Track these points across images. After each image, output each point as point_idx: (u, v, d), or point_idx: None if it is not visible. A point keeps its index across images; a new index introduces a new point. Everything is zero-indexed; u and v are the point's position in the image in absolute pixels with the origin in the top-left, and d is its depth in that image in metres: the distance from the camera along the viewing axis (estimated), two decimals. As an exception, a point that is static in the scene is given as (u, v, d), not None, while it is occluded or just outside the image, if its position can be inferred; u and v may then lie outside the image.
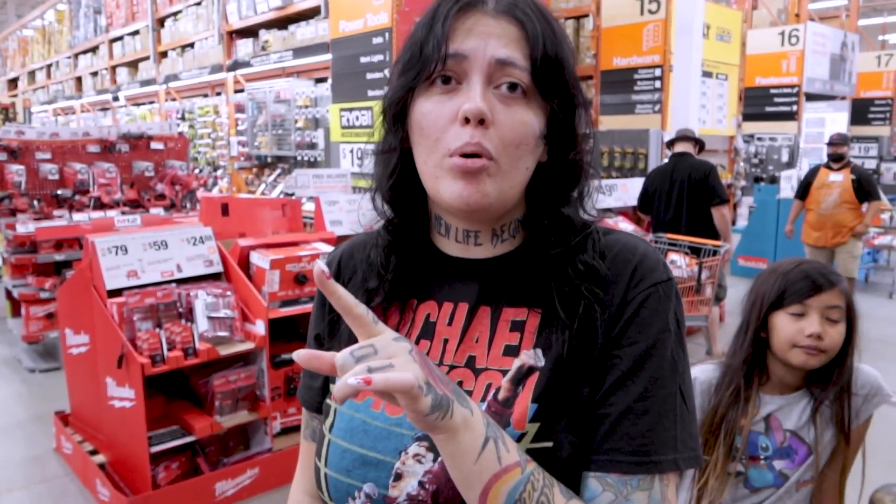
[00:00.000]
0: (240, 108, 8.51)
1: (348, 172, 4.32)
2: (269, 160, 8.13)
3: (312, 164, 7.05)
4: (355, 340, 0.66)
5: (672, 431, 0.68)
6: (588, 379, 0.70)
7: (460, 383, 0.73)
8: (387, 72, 4.96)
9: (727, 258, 4.77)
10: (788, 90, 9.35)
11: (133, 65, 11.66)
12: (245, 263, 3.02)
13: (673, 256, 4.22)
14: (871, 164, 11.47)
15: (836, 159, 5.71)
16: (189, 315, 2.78)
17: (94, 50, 13.07)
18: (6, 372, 4.67)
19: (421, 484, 0.69)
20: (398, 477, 0.70)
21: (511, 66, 0.67)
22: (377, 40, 4.99)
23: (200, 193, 5.79)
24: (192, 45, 9.48)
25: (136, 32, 11.24)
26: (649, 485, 0.67)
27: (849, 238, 5.59)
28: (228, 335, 2.78)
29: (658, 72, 6.85)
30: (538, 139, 0.70)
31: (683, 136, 4.87)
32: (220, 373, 2.79)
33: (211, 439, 2.90)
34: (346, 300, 0.59)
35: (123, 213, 5.01)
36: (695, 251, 4.22)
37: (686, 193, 4.63)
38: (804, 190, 5.88)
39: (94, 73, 13.11)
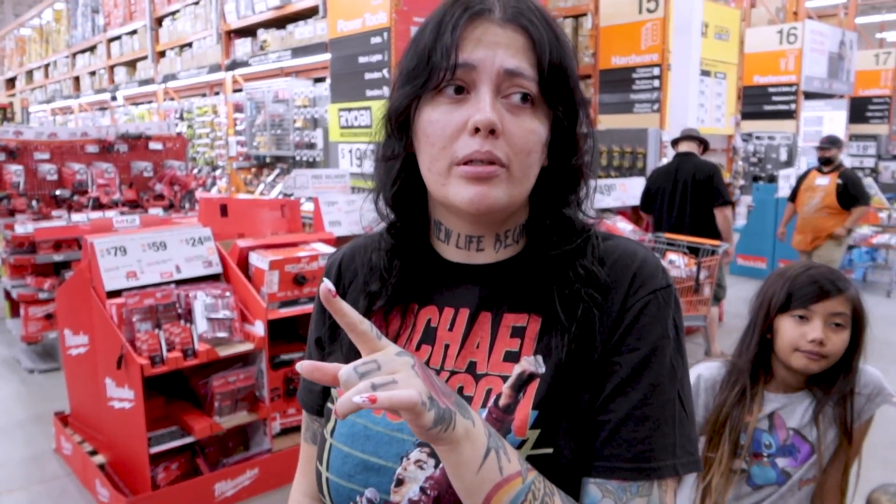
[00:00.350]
0: (238, 108, 8.51)
1: (347, 173, 4.32)
2: (267, 160, 8.13)
3: (311, 164, 7.05)
4: (352, 349, 0.67)
5: (671, 437, 0.69)
6: (588, 385, 0.70)
7: (461, 389, 0.73)
8: (385, 72, 4.96)
9: (728, 259, 4.78)
10: (787, 89, 9.35)
11: (131, 64, 11.64)
12: (244, 264, 3.02)
13: (671, 256, 4.23)
14: (869, 163, 11.49)
15: (825, 162, 5.59)
16: (188, 316, 2.78)
17: (92, 49, 13.05)
18: (5, 372, 4.67)
19: (422, 490, 0.70)
20: (400, 482, 0.71)
21: (520, 77, 0.67)
22: (376, 40, 4.99)
23: (199, 194, 5.79)
24: (190, 45, 9.46)
25: (134, 32, 11.23)
26: (648, 491, 0.68)
27: (825, 242, 5.43)
28: (228, 336, 2.78)
29: (656, 71, 6.85)
30: (544, 146, 0.71)
31: (688, 136, 4.86)
32: (220, 373, 2.80)
33: (210, 440, 2.91)
34: (350, 317, 0.59)
35: (122, 213, 5.01)
36: (693, 251, 4.22)
37: (689, 194, 4.63)
38: (795, 192, 5.83)
39: (92, 73, 13.09)
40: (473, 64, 0.67)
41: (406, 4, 4.78)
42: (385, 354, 0.58)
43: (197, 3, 9.11)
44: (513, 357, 0.72)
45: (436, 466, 0.70)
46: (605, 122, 7.27)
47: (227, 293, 2.86)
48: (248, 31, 8.12)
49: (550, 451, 0.68)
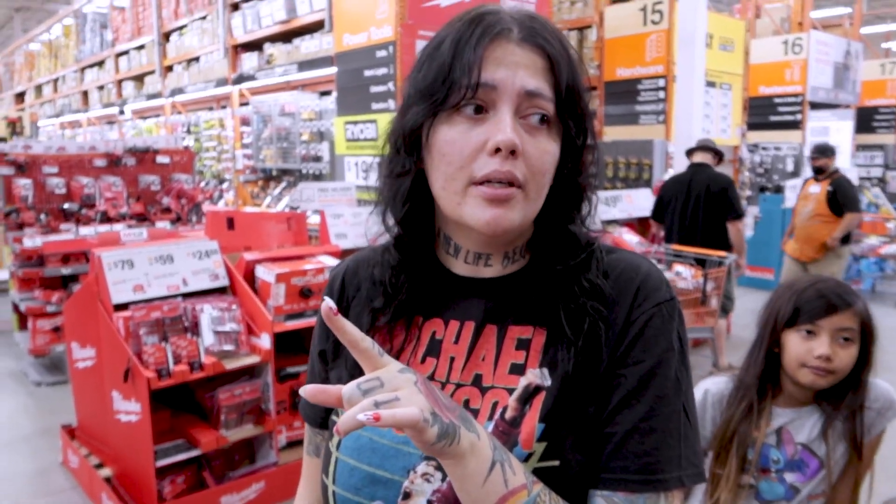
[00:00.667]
0: (245, 122, 8.56)
1: (353, 185, 4.33)
2: (274, 173, 8.17)
3: (317, 176, 7.08)
4: (356, 365, 0.67)
5: (677, 449, 0.69)
6: (594, 397, 0.70)
7: (467, 402, 0.73)
8: (391, 85, 4.98)
9: (741, 272, 4.75)
10: (792, 99, 9.34)
11: (139, 79, 11.74)
12: (250, 277, 3.03)
13: (678, 268, 4.21)
14: (877, 173, 11.44)
15: (818, 172, 5.49)
16: (195, 329, 2.79)
17: (100, 64, 13.17)
18: (13, 385, 4.69)
19: (430, 503, 0.70)
20: (407, 496, 0.71)
21: (539, 98, 0.68)
22: (381, 54, 5.02)
23: (206, 207, 5.82)
24: (197, 59, 9.54)
25: (141, 47, 11.33)
26: (655, 502, 0.68)
27: (823, 255, 5.30)
28: (234, 349, 2.79)
29: (662, 82, 6.87)
30: (555, 166, 0.71)
31: (703, 147, 4.83)
32: (226, 386, 2.80)
33: (216, 453, 2.90)
34: (352, 335, 0.59)
35: (129, 226, 5.04)
36: (700, 262, 4.21)
37: (703, 205, 4.60)
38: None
39: (101, 87, 13.20)
40: (494, 84, 0.67)
41: (411, 18, 4.82)
42: (387, 371, 0.58)
43: (204, 18, 9.19)
44: (518, 369, 0.73)
45: (443, 479, 0.70)
46: (611, 133, 7.28)
47: (234, 306, 2.86)
48: (255, 46, 8.19)
49: (557, 463, 0.68)
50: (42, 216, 5.22)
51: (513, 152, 0.66)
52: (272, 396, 2.88)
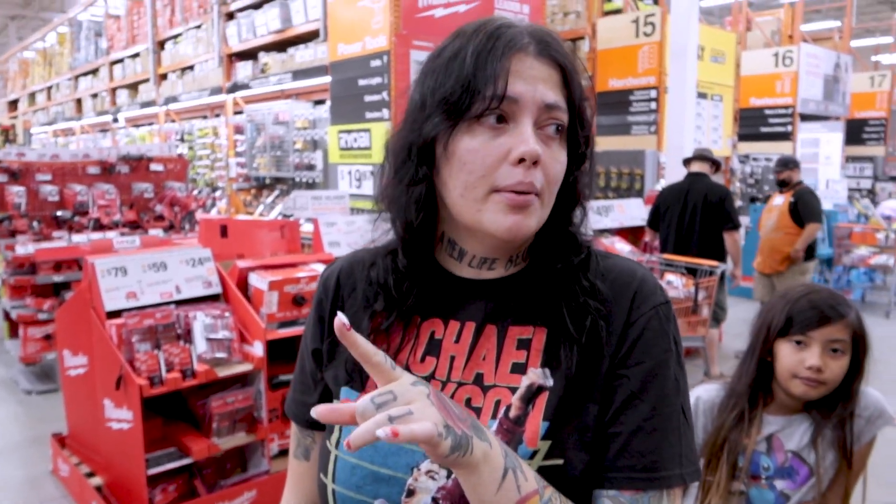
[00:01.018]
0: (239, 130, 8.57)
1: (347, 194, 4.34)
2: (267, 181, 8.17)
3: (311, 185, 7.08)
4: (356, 364, 0.69)
5: (677, 448, 0.72)
6: (596, 397, 0.73)
7: (469, 400, 0.74)
8: (385, 94, 5.01)
9: (737, 282, 4.77)
10: (783, 111, 9.43)
11: (133, 87, 11.74)
12: (244, 285, 3.03)
13: (669, 277, 4.24)
14: (866, 184, 11.55)
15: (781, 184, 5.47)
16: (187, 336, 2.78)
17: (94, 72, 13.17)
18: (3, 393, 4.66)
19: (434, 500, 0.71)
20: (410, 493, 0.72)
21: (557, 110, 0.71)
22: (375, 63, 5.04)
23: (199, 215, 5.82)
24: (191, 68, 9.56)
25: (136, 55, 11.34)
26: (658, 500, 0.70)
27: (787, 268, 5.26)
28: (227, 356, 2.78)
29: (653, 93, 6.93)
30: (564, 174, 0.74)
31: (700, 156, 4.85)
32: (218, 394, 2.79)
33: (208, 461, 2.89)
34: (364, 349, 0.60)
35: (122, 234, 5.03)
36: (691, 272, 4.23)
37: (700, 215, 4.63)
38: None
39: (95, 95, 13.19)
40: (516, 97, 0.69)
41: (406, 28, 4.85)
42: (400, 385, 0.59)
43: (199, 27, 9.22)
44: (520, 369, 0.74)
45: (447, 477, 0.71)
46: (603, 143, 7.33)
47: (227, 313, 2.86)
48: (249, 54, 8.21)
49: (561, 462, 0.70)
50: (35, 223, 5.21)
51: (535, 163, 0.69)
52: (264, 404, 2.88)
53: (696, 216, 4.65)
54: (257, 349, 2.82)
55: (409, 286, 0.78)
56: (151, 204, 5.74)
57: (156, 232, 5.34)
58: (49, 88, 15.65)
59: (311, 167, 7.14)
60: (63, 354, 3.12)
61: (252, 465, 3.04)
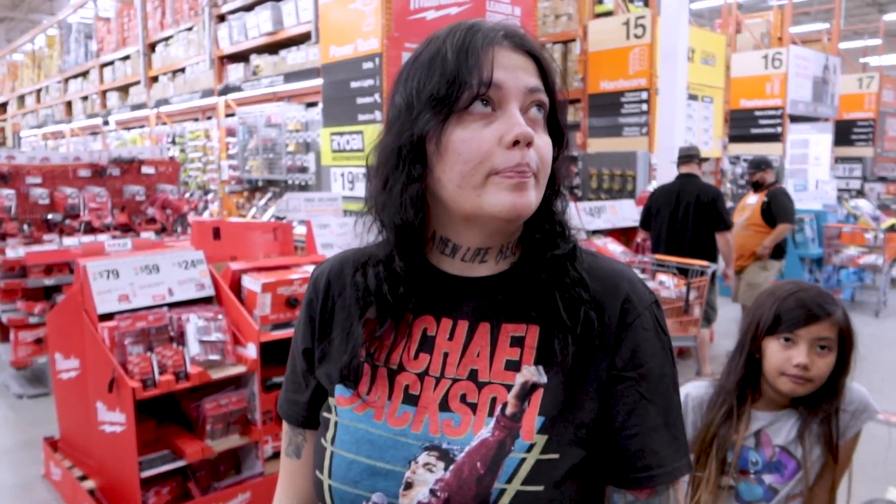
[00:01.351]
0: (231, 133, 8.55)
1: (339, 196, 4.35)
2: (259, 184, 8.16)
3: (303, 187, 7.08)
4: (349, 364, 0.73)
5: (681, 439, 0.76)
6: (594, 396, 0.74)
7: (464, 396, 0.75)
8: (377, 96, 5.02)
9: (728, 282, 4.80)
10: (773, 112, 9.50)
11: (124, 89, 11.70)
12: (237, 287, 3.03)
13: (661, 277, 4.26)
14: (855, 185, 11.63)
15: (756, 186, 5.50)
16: (180, 339, 2.78)
17: (84, 74, 13.11)
18: (-6, 398, 4.63)
19: (433, 492, 0.71)
20: (408, 486, 0.72)
21: (539, 92, 0.74)
22: (367, 65, 5.06)
23: (191, 217, 5.80)
24: (183, 70, 9.53)
25: (126, 57, 11.30)
26: (666, 489, 0.74)
27: (751, 262, 5.25)
28: (220, 359, 2.78)
29: (644, 95, 6.97)
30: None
31: (687, 157, 4.87)
32: (212, 396, 2.79)
33: (202, 464, 2.89)
34: None
35: (114, 237, 5.01)
36: (683, 272, 4.26)
37: (692, 216, 4.64)
38: None
39: (85, 98, 13.14)
40: (501, 84, 0.71)
41: (398, 31, 4.86)
42: None
43: (190, 29, 9.20)
44: (514, 366, 0.75)
45: (445, 469, 0.71)
46: (595, 145, 7.36)
47: (220, 316, 2.86)
48: (241, 57, 8.20)
49: (556, 456, 0.71)
50: (25, 227, 5.18)
51: (529, 144, 0.71)
52: (258, 406, 2.88)
53: (688, 217, 4.67)
54: (251, 351, 2.82)
55: (405, 290, 0.78)
56: (143, 207, 5.73)
57: (148, 235, 5.32)
58: (38, 91, 15.57)
59: (303, 169, 7.14)
60: (55, 358, 3.11)
61: (246, 468, 3.04)
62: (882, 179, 11.88)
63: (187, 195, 8.54)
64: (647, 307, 0.77)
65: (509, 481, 0.70)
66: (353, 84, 5.19)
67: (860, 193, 11.18)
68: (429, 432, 0.74)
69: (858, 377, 1.41)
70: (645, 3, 7.69)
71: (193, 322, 2.79)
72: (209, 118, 9.44)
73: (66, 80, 13.81)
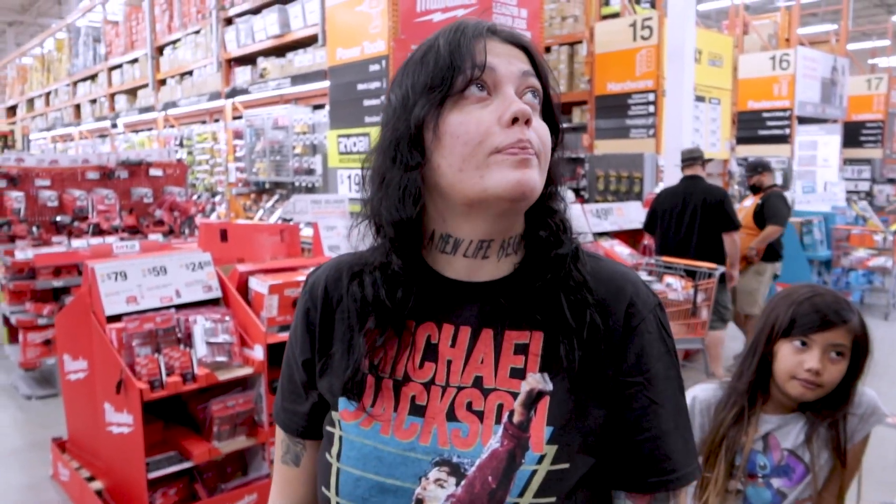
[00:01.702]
0: (238, 135, 8.58)
1: (346, 198, 4.35)
2: (266, 186, 8.18)
3: (310, 189, 7.09)
4: (353, 376, 0.73)
5: (690, 443, 0.76)
6: (602, 401, 0.74)
7: (470, 404, 0.74)
8: (384, 98, 5.02)
9: (733, 283, 4.75)
10: (781, 114, 9.46)
11: (132, 92, 11.76)
12: (244, 289, 3.03)
13: (668, 279, 4.25)
14: (864, 186, 11.57)
15: (753, 190, 5.42)
16: (188, 340, 2.79)
17: (93, 78, 13.19)
18: (2, 399, 4.65)
19: None
20: (419, 502, 0.71)
21: (532, 76, 0.74)
22: (374, 67, 5.06)
23: (198, 219, 5.82)
24: (190, 73, 9.57)
25: (135, 60, 11.36)
26: (676, 497, 0.75)
27: (745, 268, 5.11)
28: (227, 360, 2.79)
29: (651, 96, 6.95)
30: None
31: (690, 159, 4.83)
32: (219, 398, 2.79)
33: (209, 465, 2.89)
34: None
35: (122, 239, 5.03)
36: (690, 274, 4.24)
37: (699, 217, 4.60)
38: None
39: (93, 101, 13.21)
40: (494, 67, 0.72)
41: (404, 33, 4.86)
42: None
43: (198, 33, 9.24)
44: (519, 373, 0.74)
45: (457, 485, 0.70)
46: (602, 147, 7.34)
47: (227, 317, 2.87)
48: (248, 60, 8.23)
49: (567, 465, 0.70)
50: (34, 229, 5.21)
51: (527, 121, 0.70)
52: (265, 408, 2.88)
53: (695, 219, 4.64)
54: (258, 353, 2.83)
55: (403, 293, 0.76)
56: (151, 209, 5.75)
57: (155, 237, 5.34)
58: (47, 94, 15.67)
59: (310, 171, 7.15)
60: (63, 359, 3.12)
61: (253, 469, 3.04)
62: (891, 181, 11.82)
63: (195, 197, 8.58)
64: (650, 310, 0.77)
65: (521, 495, 0.69)
66: (360, 86, 5.20)
67: (869, 195, 11.12)
68: (438, 444, 0.72)
69: (867, 380, 1.39)
70: (652, 5, 7.67)
71: (201, 324, 2.80)
72: (216, 121, 9.47)
73: (75, 83, 13.89)
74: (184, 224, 5.69)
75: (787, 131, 9.45)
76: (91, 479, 3.03)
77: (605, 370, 0.74)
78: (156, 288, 2.86)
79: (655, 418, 0.73)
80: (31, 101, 16.86)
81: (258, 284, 2.95)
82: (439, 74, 0.71)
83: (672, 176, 6.44)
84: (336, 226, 3.74)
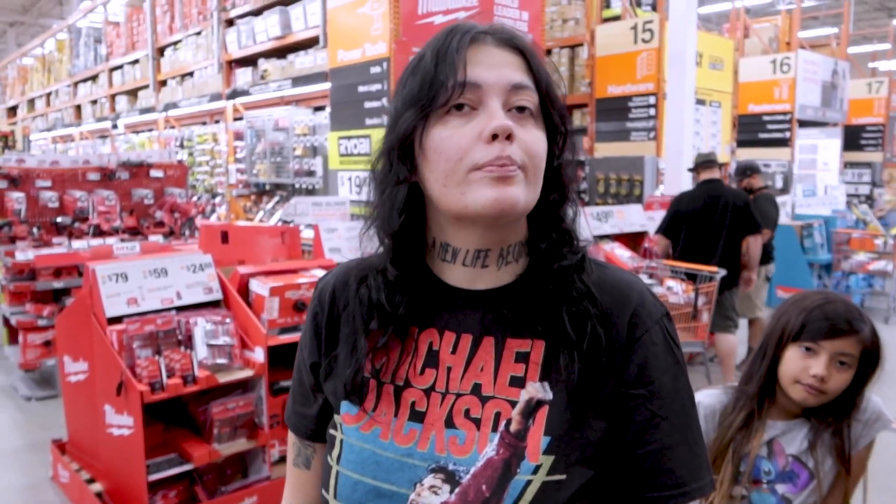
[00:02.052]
0: (238, 136, 8.58)
1: (347, 200, 4.35)
2: (267, 187, 8.18)
3: (310, 191, 7.09)
4: (355, 380, 0.73)
5: (702, 456, 0.74)
6: (603, 413, 0.72)
7: (467, 411, 0.73)
8: (385, 101, 5.02)
9: (751, 286, 4.71)
10: (781, 117, 9.46)
11: (132, 93, 11.76)
12: (244, 291, 3.03)
13: (669, 283, 4.25)
14: (864, 190, 11.58)
15: (748, 192, 5.30)
16: (188, 342, 2.79)
17: (93, 78, 13.19)
18: (2, 400, 4.65)
19: None
20: None
21: (526, 90, 0.71)
22: (375, 70, 5.06)
23: (199, 221, 5.82)
24: (191, 74, 9.58)
25: (135, 61, 11.36)
26: None
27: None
28: (227, 362, 2.78)
29: (652, 99, 6.95)
30: (545, 154, 0.73)
31: (708, 161, 4.76)
32: (219, 400, 2.79)
33: (209, 467, 2.89)
34: None
35: (122, 240, 5.03)
36: (691, 277, 4.24)
37: (728, 220, 4.55)
38: None
39: (94, 102, 13.21)
40: (479, 83, 0.70)
41: (405, 35, 4.86)
42: None
43: (199, 34, 9.24)
44: (518, 382, 0.73)
45: (451, 492, 0.70)
46: (602, 150, 7.35)
47: (228, 319, 2.86)
48: (249, 61, 8.23)
49: (563, 477, 0.69)
50: (35, 230, 5.21)
51: (508, 136, 0.69)
52: (265, 410, 2.88)
53: (724, 222, 4.55)
54: (258, 355, 2.82)
55: (405, 301, 0.77)
56: (151, 210, 5.75)
57: (156, 238, 5.34)
58: (48, 95, 15.68)
59: (310, 173, 7.15)
60: (63, 360, 3.12)
61: (253, 471, 3.03)
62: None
63: (195, 199, 8.58)
64: (656, 321, 0.75)
65: None
66: (361, 88, 5.20)
67: (869, 199, 11.13)
68: (435, 451, 0.72)
69: (870, 385, 1.39)
70: (653, 8, 7.68)
71: (201, 326, 2.79)
72: (217, 122, 9.48)
73: (76, 83, 13.89)
74: (184, 225, 5.69)
75: (788, 135, 9.45)
76: (91, 480, 3.03)
77: (608, 381, 0.72)
78: (156, 290, 2.86)
79: (658, 432, 0.71)
80: (31, 102, 16.87)
81: (259, 286, 2.95)
82: (425, 88, 0.71)
83: (673, 179, 6.44)
84: (337, 227, 3.73)
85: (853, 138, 11.81)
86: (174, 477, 2.76)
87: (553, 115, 0.74)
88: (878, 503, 1.54)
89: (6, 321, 4.89)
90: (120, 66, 11.94)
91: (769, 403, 1.43)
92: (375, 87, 5.09)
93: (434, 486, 0.71)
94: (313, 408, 0.85)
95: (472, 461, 0.70)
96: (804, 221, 7.25)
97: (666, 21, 6.74)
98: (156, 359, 2.67)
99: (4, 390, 4.82)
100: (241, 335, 2.88)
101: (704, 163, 4.79)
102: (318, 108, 7.39)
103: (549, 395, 0.71)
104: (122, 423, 2.67)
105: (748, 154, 9.62)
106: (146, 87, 10.88)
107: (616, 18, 7.48)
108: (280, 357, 3.05)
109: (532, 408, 0.71)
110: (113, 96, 12.38)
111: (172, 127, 10.51)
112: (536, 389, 0.72)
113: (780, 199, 7.55)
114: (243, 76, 8.29)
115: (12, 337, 4.87)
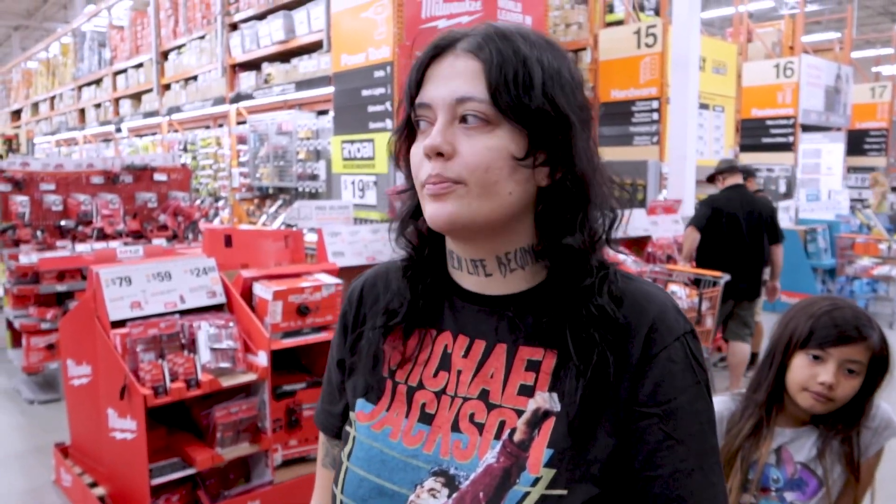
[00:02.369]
0: (242, 140, 8.59)
1: (350, 204, 4.35)
2: (270, 191, 8.18)
3: (314, 195, 7.09)
4: (373, 377, 0.73)
5: (719, 487, 0.70)
6: (613, 430, 0.69)
7: (472, 415, 0.73)
8: (388, 105, 5.03)
9: (777, 295, 4.71)
10: (784, 121, 9.46)
11: (136, 97, 11.78)
12: (248, 294, 3.03)
13: (673, 287, 4.23)
14: (868, 195, 11.55)
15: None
16: (192, 346, 2.78)
17: (97, 82, 13.22)
18: (5, 403, 4.65)
19: None
20: None
21: (470, 101, 0.70)
22: (378, 74, 5.07)
23: (202, 224, 5.82)
24: (195, 78, 9.59)
25: (140, 65, 11.38)
26: None
27: None
28: (231, 366, 2.78)
29: (655, 104, 6.96)
30: (513, 162, 0.70)
31: (732, 168, 4.67)
32: (222, 404, 2.78)
33: (211, 472, 2.88)
34: None
35: (126, 243, 5.03)
36: (695, 282, 4.23)
37: (763, 228, 4.53)
38: None
39: (98, 105, 13.24)
40: (428, 103, 0.72)
41: (408, 38, 4.87)
42: None
43: (203, 38, 9.25)
44: (527, 391, 0.72)
45: (449, 496, 0.70)
46: (605, 154, 7.25)
47: (231, 323, 2.86)
48: (253, 65, 8.24)
49: (564, 492, 0.67)
50: (38, 233, 5.21)
51: (440, 154, 0.70)
52: (268, 414, 2.87)
53: (761, 229, 4.52)
54: (261, 359, 2.82)
55: (420, 301, 0.80)
56: (155, 213, 5.75)
57: (159, 241, 5.34)
58: (52, 98, 15.70)
59: (314, 177, 7.15)
60: (67, 364, 3.12)
61: (256, 476, 3.03)
62: (894, 189, 11.79)
63: (198, 202, 8.59)
64: (676, 337, 0.71)
65: None
66: (365, 92, 5.21)
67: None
68: (439, 454, 0.73)
69: (879, 392, 1.38)
70: (656, 12, 7.68)
71: (205, 329, 2.79)
72: (220, 126, 9.49)
73: (80, 87, 13.92)
74: (187, 229, 5.69)
75: (791, 139, 9.45)
76: (93, 484, 3.02)
77: (619, 398, 0.69)
78: (160, 293, 2.86)
79: (671, 455, 0.68)
80: (35, 105, 16.90)
81: (262, 290, 2.95)
82: (406, 105, 0.75)
83: (676, 183, 6.43)
84: (340, 231, 3.72)
85: (857, 143, 11.80)
86: (177, 481, 2.76)
87: (521, 118, 0.69)
88: (886, 510, 1.53)
89: (10, 324, 4.89)
90: (124, 70, 11.96)
91: (777, 411, 1.41)
92: (379, 91, 5.10)
93: (433, 489, 0.71)
94: (338, 406, 0.86)
95: (473, 467, 0.70)
96: (808, 226, 7.23)
97: (669, 25, 6.75)
98: (159, 362, 2.67)
99: (7, 393, 4.82)
100: (245, 339, 2.88)
101: (729, 168, 4.71)
102: (322, 112, 7.39)
103: (557, 407, 0.70)
104: (125, 426, 2.67)
105: (751, 159, 9.61)
106: (150, 90, 10.89)
107: (619, 23, 7.49)
108: (283, 361, 3.04)
109: (539, 418, 0.70)
110: (117, 100, 12.40)
111: (176, 131, 10.53)
112: (545, 400, 0.71)
113: (783, 204, 7.57)
114: (247, 80, 8.30)
115: (16, 340, 4.88)
